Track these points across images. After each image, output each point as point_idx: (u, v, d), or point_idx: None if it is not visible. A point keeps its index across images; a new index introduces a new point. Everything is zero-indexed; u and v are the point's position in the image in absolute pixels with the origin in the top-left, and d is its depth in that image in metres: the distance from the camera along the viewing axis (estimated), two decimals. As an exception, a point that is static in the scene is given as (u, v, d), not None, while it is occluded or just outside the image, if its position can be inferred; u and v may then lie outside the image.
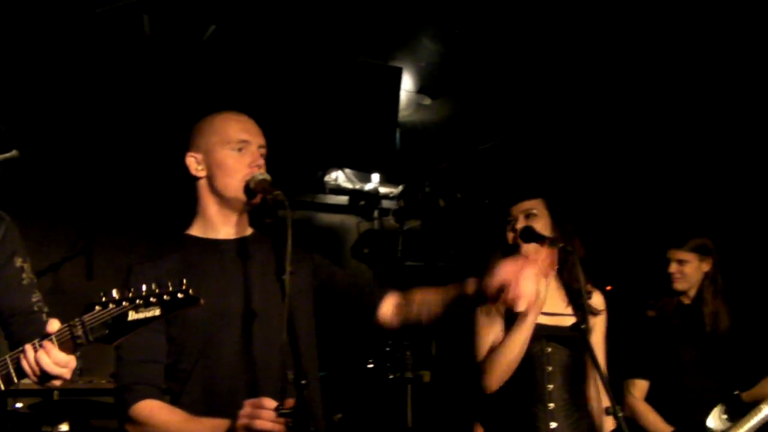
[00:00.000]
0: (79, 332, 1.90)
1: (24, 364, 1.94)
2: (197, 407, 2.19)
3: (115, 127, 5.14)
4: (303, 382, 1.97)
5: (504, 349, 2.72)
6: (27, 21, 4.18)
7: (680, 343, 3.53)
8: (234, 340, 2.25)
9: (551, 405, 2.71)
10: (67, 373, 1.97)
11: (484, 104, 5.39)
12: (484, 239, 3.03)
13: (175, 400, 2.24)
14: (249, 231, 2.43)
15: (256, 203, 2.33)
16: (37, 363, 1.92)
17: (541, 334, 2.75)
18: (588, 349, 2.51)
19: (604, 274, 5.05)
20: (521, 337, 2.70)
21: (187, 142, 2.41)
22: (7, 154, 2.25)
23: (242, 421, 1.99)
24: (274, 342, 2.20)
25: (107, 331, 1.88)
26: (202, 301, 1.91)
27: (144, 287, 1.88)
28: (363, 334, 5.17)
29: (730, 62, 4.54)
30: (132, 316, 1.87)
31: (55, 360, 1.92)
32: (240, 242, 2.37)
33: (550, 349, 2.76)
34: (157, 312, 1.87)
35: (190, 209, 2.45)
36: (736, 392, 3.50)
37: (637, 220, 5.60)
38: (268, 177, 2.28)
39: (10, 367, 1.96)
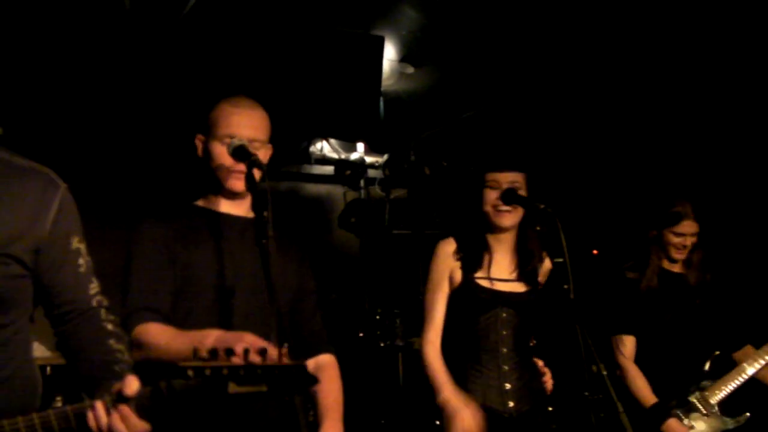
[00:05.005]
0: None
1: (91, 422, 1.65)
2: None
3: (94, 101, 5.13)
4: (285, 344, 2.01)
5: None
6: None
7: (660, 304, 3.54)
8: (219, 309, 2.33)
9: (505, 367, 2.85)
10: None
11: (467, 72, 5.39)
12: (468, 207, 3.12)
13: None
14: (251, 214, 2.50)
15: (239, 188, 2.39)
16: (110, 428, 1.63)
17: (497, 300, 2.88)
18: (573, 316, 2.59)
19: (590, 239, 5.13)
20: None
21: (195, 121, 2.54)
22: None
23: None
24: (260, 314, 2.29)
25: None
26: (317, 379, 1.70)
27: (247, 353, 1.62)
28: (350, 302, 5.23)
29: (700, 33, 4.57)
30: (233, 388, 1.55)
31: (132, 429, 1.63)
32: (241, 220, 2.48)
33: (504, 315, 2.88)
34: (263, 388, 1.58)
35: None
36: (717, 353, 3.55)
37: (618, 189, 5.67)
38: (245, 143, 2.35)
39: (71, 418, 1.66)
